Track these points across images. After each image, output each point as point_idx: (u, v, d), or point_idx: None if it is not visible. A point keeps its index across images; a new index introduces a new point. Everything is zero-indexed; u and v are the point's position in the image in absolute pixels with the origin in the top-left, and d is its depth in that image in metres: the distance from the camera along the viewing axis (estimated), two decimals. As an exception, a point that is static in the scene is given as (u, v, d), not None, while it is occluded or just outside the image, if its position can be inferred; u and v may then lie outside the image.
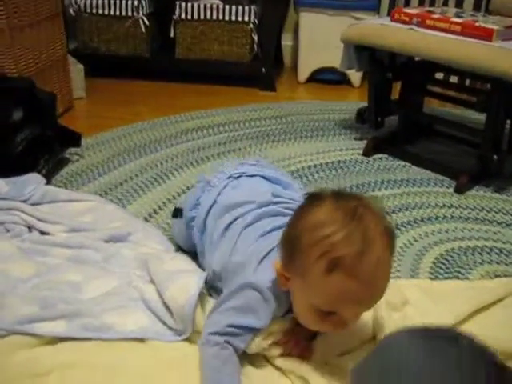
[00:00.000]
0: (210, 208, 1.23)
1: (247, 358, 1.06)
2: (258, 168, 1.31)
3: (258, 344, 1.03)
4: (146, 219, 1.61)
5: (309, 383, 0.99)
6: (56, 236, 1.42)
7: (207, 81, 2.93)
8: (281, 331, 1.05)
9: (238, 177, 1.27)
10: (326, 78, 3.15)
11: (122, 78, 2.93)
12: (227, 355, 1.00)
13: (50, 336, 1.09)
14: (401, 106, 2.23)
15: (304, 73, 3.18)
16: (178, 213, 1.36)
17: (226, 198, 1.22)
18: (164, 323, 1.13)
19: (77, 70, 2.62)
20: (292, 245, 0.94)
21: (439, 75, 2.28)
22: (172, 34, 2.94)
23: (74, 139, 1.96)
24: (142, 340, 1.10)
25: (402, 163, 2.10)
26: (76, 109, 2.55)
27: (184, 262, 1.25)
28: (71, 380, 1.01)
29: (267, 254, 1.06)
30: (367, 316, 1.13)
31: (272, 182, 1.27)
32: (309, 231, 0.91)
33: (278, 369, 1.06)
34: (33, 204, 1.55)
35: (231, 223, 1.17)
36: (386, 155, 2.15)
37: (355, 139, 2.30)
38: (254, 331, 1.02)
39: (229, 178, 1.26)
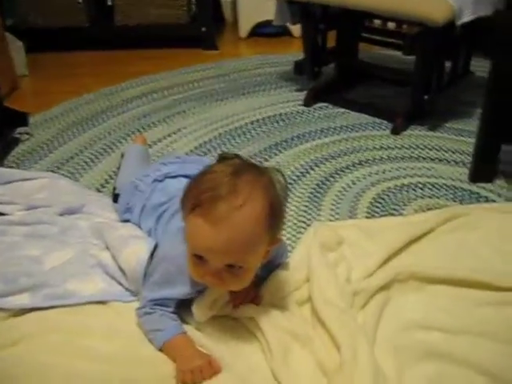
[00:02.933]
0: (142, 211, 1.33)
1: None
2: (180, 165, 1.39)
3: (205, 314, 1.11)
4: (98, 190, 1.69)
5: (256, 322, 1.10)
6: (13, 215, 1.49)
7: (149, 46, 2.96)
8: (225, 295, 1.13)
9: (162, 180, 1.35)
10: (267, 31, 3.20)
11: (64, 51, 2.93)
12: (157, 316, 1.10)
13: (16, 308, 1.17)
14: (336, 54, 2.31)
15: (245, 28, 3.22)
16: (118, 198, 1.45)
17: (153, 200, 1.31)
18: (121, 285, 1.22)
19: (16, 47, 2.62)
20: (183, 201, 1.03)
21: (377, 22, 2.35)
22: (110, 2, 2.94)
23: (20, 119, 2.00)
24: (103, 302, 1.20)
25: (342, 110, 2.19)
26: (21, 87, 2.56)
27: (135, 229, 1.34)
28: (39, 347, 1.09)
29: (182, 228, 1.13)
30: (302, 258, 1.25)
31: None
32: (193, 186, 1.00)
33: (232, 318, 1.15)
34: (-13, 187, 1.60)
35: (160, 216, 1.27)
36: (325, 104, 2.25)
37: (296, 91, 2.38)
38: (175, 299, 1.12)
39: (154, 181, 1.35)
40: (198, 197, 0.96)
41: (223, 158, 1.05)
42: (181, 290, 1.10)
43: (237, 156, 1.05)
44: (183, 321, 1.13)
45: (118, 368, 1.05)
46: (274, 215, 0.99)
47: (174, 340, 1.07)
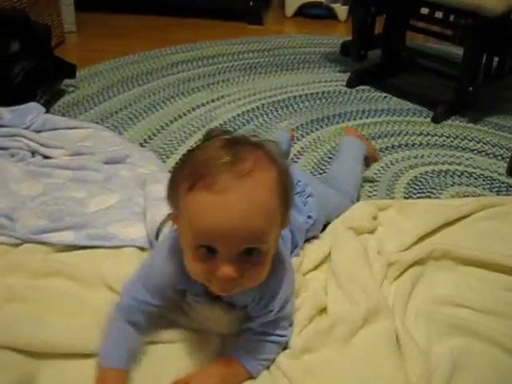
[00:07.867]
0: None
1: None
2: None
3: None
4: (141, 144, 1.72)
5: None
6: (58, 159, 1.53)
7: (196, 15, 2.97)
8: None
9: None
10: (312, 12, 3.20)
11: (111, 12, 2.96)
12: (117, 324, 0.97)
13: (60, 244, 1.21)
14: (384, 39, 2.31)
15: (291, 7, 3.23)
16: None
17: None
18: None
19: (67, 3, 2.66)
20: (172, 185, 0.87)
21: (424, 10, 2.34)
22: (161, -32, 2.96)
23: (69, 71, 2.03)
24: (142, 249, 1.22)
25: (384, 94, 2.20)
26: (67, 43, 2.60)
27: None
28: (80, 278, 1.12)
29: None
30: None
31: None
32: (185, 164, 0.85)
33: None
34: (34, 131, 1.64)
35: None
36: (368, 87, 2.25)
37: (339, 71, 2.39)
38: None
39: None
40: (196, 171, 0.79)
41: (211, 136, 0.87)
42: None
43: (225, 132, 0.88)
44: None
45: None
46: (285, 185, 0.84)
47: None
